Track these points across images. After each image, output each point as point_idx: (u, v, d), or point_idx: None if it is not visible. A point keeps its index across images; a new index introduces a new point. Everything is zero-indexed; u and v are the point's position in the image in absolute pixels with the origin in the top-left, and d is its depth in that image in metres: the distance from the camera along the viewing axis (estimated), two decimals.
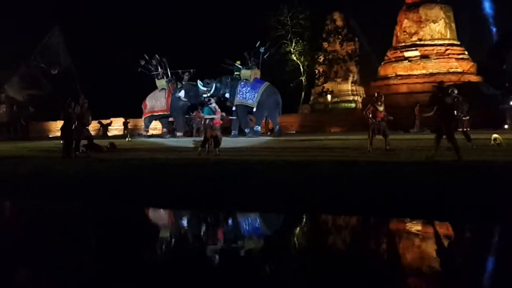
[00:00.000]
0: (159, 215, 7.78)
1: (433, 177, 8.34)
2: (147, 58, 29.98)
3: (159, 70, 29.98)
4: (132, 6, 50.28)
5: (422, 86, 38.11)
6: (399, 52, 41.47)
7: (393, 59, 41.72)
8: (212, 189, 8.24)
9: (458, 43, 42.98)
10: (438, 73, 40.10)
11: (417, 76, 39.55)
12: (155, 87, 30.36)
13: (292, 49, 43.93)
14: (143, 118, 31.64)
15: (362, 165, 10.25)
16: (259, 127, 27.48)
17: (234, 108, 26.83)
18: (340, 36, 45.30)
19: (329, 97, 45.40)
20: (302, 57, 44.16)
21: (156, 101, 30.11)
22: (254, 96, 26.44)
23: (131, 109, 37.11)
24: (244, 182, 8.70)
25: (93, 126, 38.42)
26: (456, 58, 41.33)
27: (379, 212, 6.65)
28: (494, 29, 46.52)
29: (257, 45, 28.38)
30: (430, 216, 6.34)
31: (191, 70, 30.04)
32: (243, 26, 44.82)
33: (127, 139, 27.23)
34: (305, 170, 9.91)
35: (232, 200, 7.66)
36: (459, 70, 41.11)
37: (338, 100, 46.48)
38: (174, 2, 49.33)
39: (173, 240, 6.06)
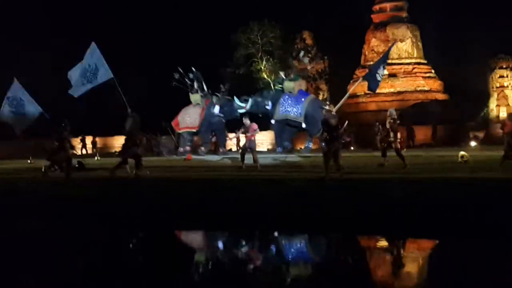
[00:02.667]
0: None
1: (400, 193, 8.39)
2: (182, 71, 28.08)
3: (194, 84, 28.01)
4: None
5: (390, 104, 38.63)
6: (367, 70, 42.10)
7: (361, 78, 42.31)
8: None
9: (425, 61, 43.99)
10: (406, 91, 40.92)
11: (385, 94, 40.20)
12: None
13: (262, 67, 44.21)
14: (177, 132, 28.86)
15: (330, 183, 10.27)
16: (311, 144, 25.25)
17: (273, 122, 25.26)
18: (310, 55, 45.82)
19: None
20: (273, 75, 44.45)
21: (190, 117, 28.02)
22: (298, 110, 24.46)
23: (99, 127, 36.44)
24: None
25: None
26: (423, 77, 42.26)
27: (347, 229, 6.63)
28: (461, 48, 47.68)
29: (300, 54, 26.92)
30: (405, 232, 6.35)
31: (225, 85, 28.53)
32: (212, 43, 45.02)
33: (96, 158, 26.76)
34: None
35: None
36: (426, 88, 42.02)
37: None
38: (137, 17, 49.06)
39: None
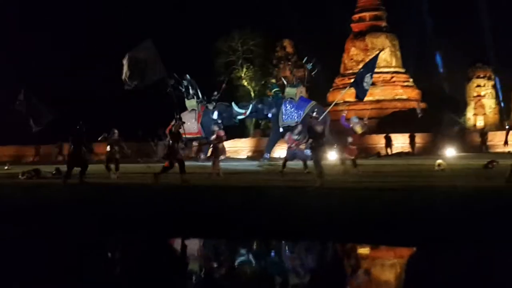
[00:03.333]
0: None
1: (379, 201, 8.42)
2: (177, 77, 27.38)
3: (190, 90, 27.59)
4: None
5: (369, 112, 38.94)
6: (347, 79, 42.48)
7: (341, 86, 42.66)
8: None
9: (403, 70, 44.57)
10: (384, 100, 41.38)
11: (364, 102, 40.42)
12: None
13: (243, 75, 44.32)
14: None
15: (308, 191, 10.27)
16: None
17: (281, 130, 24.52)
18: (290, 63, 46.06)
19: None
20: (253, 82, 44.57)
21: (186, 123, 27.50)
22: (300, 116, 24.08)
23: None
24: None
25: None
26: (401, 85, 42.79)
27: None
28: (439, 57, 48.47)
29: (304, 61, 26.62)
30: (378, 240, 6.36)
31: (216, 92, 28.21)
32: (192, 50, 44.97)
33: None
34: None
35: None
36: (404, 97, 42.54)
37: None
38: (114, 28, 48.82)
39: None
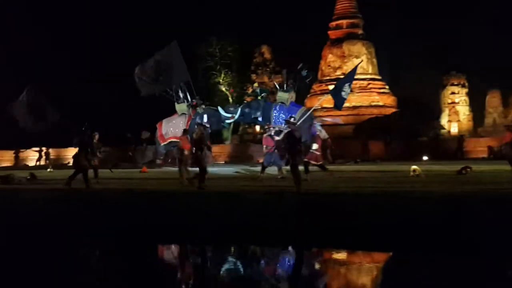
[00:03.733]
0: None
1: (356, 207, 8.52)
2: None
3: (180, 93, 27.10)
4: None
5: (346, 119, 39.43)
6: (324, 85, 42.88)
7: (318, 92, 43.04)
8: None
9: (380, 77, 45.15)
10: (361, 106, 41.85)
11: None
12: None
13: (221, 80, 44.34)
14: (161, 144, 27.81)
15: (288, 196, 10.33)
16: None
17: (272, 133, 24.74)
18: (268, 69, 46.26)
19: (257, 127, 45.93)
20: (231, 88, 44.63)
21: (176, 128, 26.97)
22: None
23: (52, 138, 35.35)
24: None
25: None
26: (377, 92, 43.33)
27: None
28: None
29: (298, 67, 26.30)
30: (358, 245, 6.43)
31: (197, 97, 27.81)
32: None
33: (48, 169, 26.01)
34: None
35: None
36: (380, 103, 43.06)
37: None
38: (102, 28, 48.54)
39: None
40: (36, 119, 17.18)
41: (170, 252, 7.05)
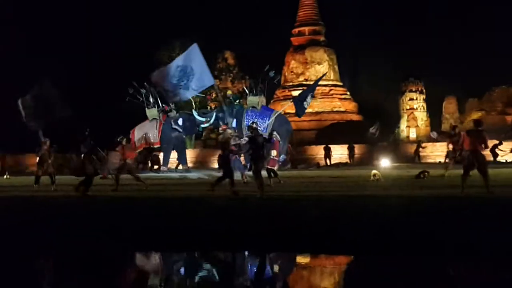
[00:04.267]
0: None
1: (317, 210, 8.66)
2: (136, 86, 26.64)
3: (150, 99, 26.49)
4: None
5: (308, 124, 39.94)
6: (287, 91, 43.30)
7: (281, 98, 43.42)
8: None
9: (341, 84, 45.89)
10: (323, 112, 42.43)
11: (304, 114, 41.29)
12: None
13: None
14: (137, 151, 27.07)
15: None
16: (284, 156, 24.33)
17: (246, 139, 24.26)
18: (231, 74, 46.36)
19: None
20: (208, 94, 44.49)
21: (148, 133, 26.30)
22: (264, 126, 23.39)
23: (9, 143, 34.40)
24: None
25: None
26: (339, 98, 44.03)
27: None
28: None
29: (265, 69, 26.10)
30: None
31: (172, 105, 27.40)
32: (132, 60, 44.40)
33: (5, 176, 25.30)
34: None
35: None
36: (342, 109, 43.77)
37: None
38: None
39: None
40: (40, 113, 16.18)
41: (130, 259, 7.00)
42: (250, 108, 24.67)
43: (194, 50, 16.89)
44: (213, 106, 46.98)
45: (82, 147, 13.72)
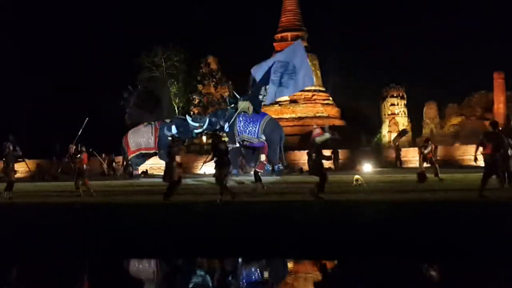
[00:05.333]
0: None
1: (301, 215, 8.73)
2: (131, 89, 26.58)
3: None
4: None
5: (292, 129, 40.07)
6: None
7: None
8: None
9: (324, 89, 46.17)
10: (306, 117, 42.63)
11: (287, 119, 41.56)
12: None
13: None
14: (128, 156, 27.34)
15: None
16: (270, 166, 24.28)
17: (237, 144, 23.49)
18: (214, 79, 46.35)
19: (204, 138, 45.78)
20: (177, 98, 44.35)
21: (142, 138, 26.22)
22: (255, 131, 23.43)
23: None
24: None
25: None
26: (322, 103, 44.29)
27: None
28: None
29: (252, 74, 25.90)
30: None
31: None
32: (115, 65, 44.19)
33: None
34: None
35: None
36: (324, 114, 44.03)
37: None
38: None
39: None
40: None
41: (113, 266, 6.98)
42: (242, 113, 24.69)
43: (298, 47, 15.83)
44: (195, 112, 46.91)
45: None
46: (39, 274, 6.45)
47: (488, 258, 6.03)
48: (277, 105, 41.92)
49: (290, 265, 6.51)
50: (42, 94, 41.04)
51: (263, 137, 15.68)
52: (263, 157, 15.39)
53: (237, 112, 24.82)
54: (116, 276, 6.38)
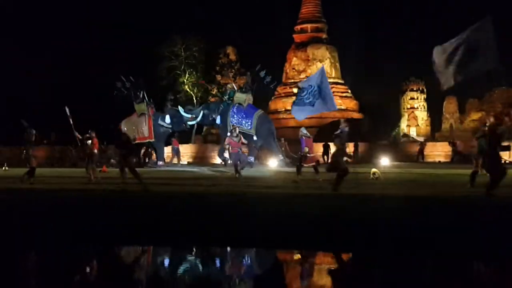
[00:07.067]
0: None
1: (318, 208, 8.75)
2: (124, 79, 26.80)
3: (139, 93, 26.54)
4: None
5: (309, 121, 39.85)
6: (288, 88, 43.30)
7: (283, 94, 43.43)
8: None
9: (342, 81, 45.88)
10: None
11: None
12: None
13: (185, 80, 44.13)
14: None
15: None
16: (253, 158, 24.66)
17: (229, 134, 24.80)
18: (233, 70, 46.35)
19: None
20: (195, 88, 44.48)
21: (137, 128, 26.55)
22: (250, 123, 24.46)
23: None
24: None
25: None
26: (340, 96, 44.02)
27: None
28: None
29: (257, 69, 26.21)
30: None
31: (172, 97, 27.63)
32: (134, 54, 44.42)
33: (3, 167, 25.30)
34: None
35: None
36: (343, 107, 43.77)
37: None
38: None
39: None
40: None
41: (134, 254, 7.08)
42: (236, 105, 24.96)
43: (488, 23, 14.50)
44: (213, 101, 47.02)
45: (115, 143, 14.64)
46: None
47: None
48: (295, 96, 41.88)
49: (300, 256, 6.54)
50: (60, 83, 41.45)
51: (304, 131, 15.66)
52: (306, 150, 15.32)
53: (232, 103, 25.03)
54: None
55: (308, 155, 15.33)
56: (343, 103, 44.36)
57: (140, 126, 26.87)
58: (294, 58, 44.98)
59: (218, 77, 46.06)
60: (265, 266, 6.29)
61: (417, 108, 45.36)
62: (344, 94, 44.97)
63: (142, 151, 27.99)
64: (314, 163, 15.55)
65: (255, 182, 14.61)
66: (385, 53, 47.50)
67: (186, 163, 30.31)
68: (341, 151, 11.51)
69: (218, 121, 25.39)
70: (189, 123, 25.44)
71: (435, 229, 6.98)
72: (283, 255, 6.68)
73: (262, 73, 26.29)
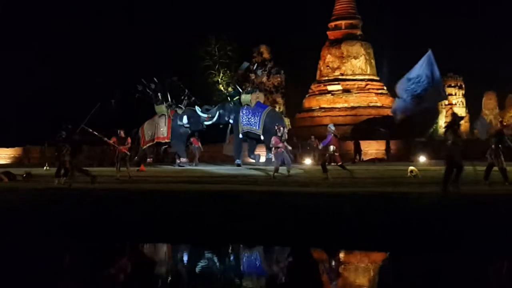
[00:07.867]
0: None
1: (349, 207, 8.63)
2: (145, 82, 27.23)
3: (159, 94, 27.37)
4: None
5: (344, 119, 39.59)
6: (322, 85, 42.94)
7: (317, 92, 43.13)
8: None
9: (378, 78, 45.22)
10: (359, 107, 41.92)
11: (339, 109, 41.04)
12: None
13: (219, 79, 44.40)
14: (142, 147, 27.72)
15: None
16: (271, 155, 25.58)
17: (241, 136, 25.37)
18: (266, 69, 46.33)
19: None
20: (230, 87, 44.68)
21: (157, 129, 27.19)
22: (257, 122, 24.77)
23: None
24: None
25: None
26: (375, 93, 43.37)
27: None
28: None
29: (239, 68, 26.54)
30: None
31: (189, 95, 28.19)
32: (169, 54, 44.85)
33: (45, 167, 25.96)
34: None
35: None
36: (378, 104, 43.14)
37: None
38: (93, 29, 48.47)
39: None
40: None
41: (162, 251, 7.15)
42: (245, 106, 25.39)
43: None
44: (224, 103, 47.05)
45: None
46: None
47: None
48: (330, 94, 41.50)
49: (340, 255, 6.48)
50: (93, 84, 42.11)
51: (332, 128, 15.52)
52: (332, 148, 15.21)
53: (241, 105, 25.48)
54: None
55: (335, 153, 15.23)
56: (379, 100, 43.71)
57: (159, 126, 27.58)
58: (328, 56, 44.56)
59: (252, 75, 46.16)
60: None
61: (455, 104, 44.34)
62: (379, 91, 44.30)
63: (162, 149, 29.02)
64: (340, 163, 15.41)
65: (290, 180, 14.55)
66: (422, 48, 46.52)
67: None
68: (456, 145, 10.57)
69: (232, 121, 25.86)
70: (206, 123, 25.69)
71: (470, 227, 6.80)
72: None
73: (244, 66, 26.54)
